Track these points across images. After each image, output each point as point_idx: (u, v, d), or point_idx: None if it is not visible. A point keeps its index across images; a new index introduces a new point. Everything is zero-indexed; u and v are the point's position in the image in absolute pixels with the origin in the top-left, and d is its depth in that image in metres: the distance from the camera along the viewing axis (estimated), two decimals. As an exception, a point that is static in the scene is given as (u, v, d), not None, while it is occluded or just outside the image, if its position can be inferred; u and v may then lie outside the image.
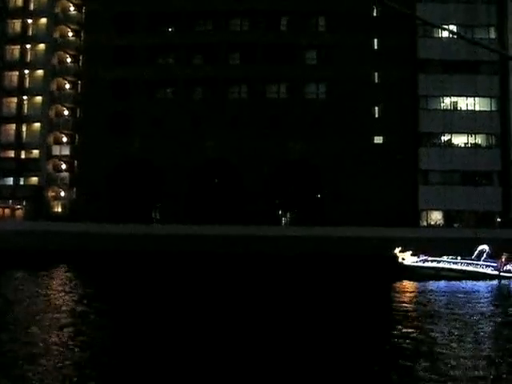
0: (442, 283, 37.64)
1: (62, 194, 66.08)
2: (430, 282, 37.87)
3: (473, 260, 40.53)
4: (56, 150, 66.46)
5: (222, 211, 57.19)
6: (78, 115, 66.21)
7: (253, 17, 62.06)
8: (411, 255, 40.90)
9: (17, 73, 67.97)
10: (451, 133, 59.09)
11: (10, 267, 41.60)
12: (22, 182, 67.62)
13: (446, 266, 40.59)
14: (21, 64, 67.73)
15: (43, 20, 67.92)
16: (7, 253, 47.42)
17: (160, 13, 62.73)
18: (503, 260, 40.56)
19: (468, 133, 58.83)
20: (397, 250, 41.03)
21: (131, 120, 61.76)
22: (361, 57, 58.86)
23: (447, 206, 57.29)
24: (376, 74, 59.38)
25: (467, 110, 59.10)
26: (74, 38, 68.21)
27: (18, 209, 66.69)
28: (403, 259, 40.76)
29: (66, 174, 66.01)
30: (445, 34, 59.58)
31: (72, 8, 68.69)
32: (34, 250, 48.82)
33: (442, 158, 57.59)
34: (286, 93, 61.66)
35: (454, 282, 37.85)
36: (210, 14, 62.42)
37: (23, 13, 68.36)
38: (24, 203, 66.08)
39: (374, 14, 59.96)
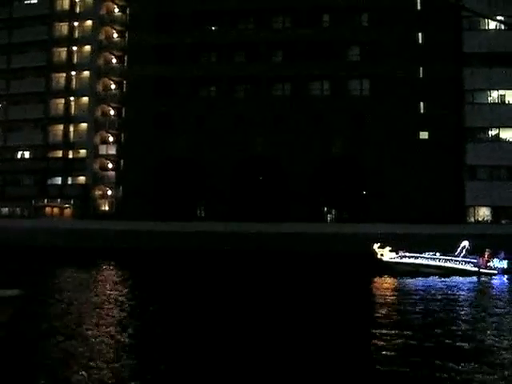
0: (418, 280, 36.53)
1: (109, 192, 67.28)
2: (407, 278, 36.76)
3: (452, 256, 39.59)
4: (102, 150, 67.68)
5: (266, 209, 57.40)
6: (123, 115, 67.22)
7: (295, 14, 62.01)
8: (390, 251, 40.15)
9: (64, 74, 69.48)
10: (499, 127, 58.01)
11: (60, 264, 42.56)
12: (69, 182, 69.13)
13: (424, 262, 39.69)
14: (68, 65, 69.24)
15: (89, 22, 69.25)
16: (57, 250, 48.65)
17: (202, 11, 63.21)
18: (486, 256, 39.51)
19: (516, 127, 57.69)
20: (375, 246, 40.27)
21: (174, 118, 62.46)
22: (405, 52, 58.26)
23: (495, 202, 56.31)
24: (421, 68, 58.66)
25: (515, 103, 57.96)
26: (118, 39, 69.26)
27: (67, 207, 68.13)
28: (382, 255, 40.06)
29: (112, 173, 67.19)
30: (491, 26, 58.47)
31: (116, 9, 69.78)
32: (82, 248, 49.93)
33: (489, 152, 56.52)
34: (329, 90, 61.42)
35: (431, 279, 36.74)
36: (251, 11, 62.65)
37: (70, 16, 69.82)
38: (72, 202, 67.47)
39: (418, 8, 59.22)
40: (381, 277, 37.03)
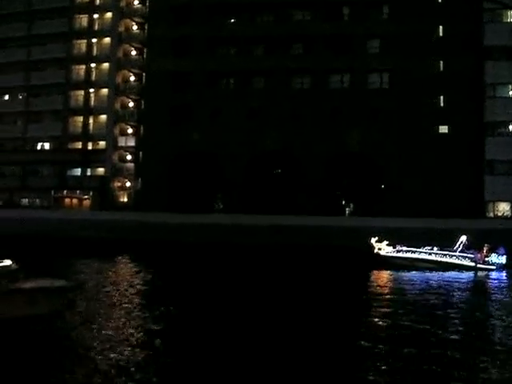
0: (414, 274, 36.48)
1: (128, 184, 67.71)
2: (404, 272, 36.79)
3: (449, 251, 39.31)
4: (121, 141, 68.12)
5: (283, 202, 57.43)
6: (142, 107, 67.50)
7: (314, 7, 61.75)
8: (387, 245, 40.05)
9: (83, 66, 69.96)
10: (520, 122, 57.46)
11: (79, 255, 42.88)
12: (88, 173, 69.72)
13: (421, 256, 39.55)
14: (87, 57, 69.69)
15: (108, 14, 69.58)
16: (76, 241, 48.98)
17: (221, 3, 63.16)
18: (484, 252, 39.10)
19: (538, 121, 57.10)
20: (373, 240, 40.19)
21: (192, 111, 62.62)
22: (425, 45, 57.78)
23: (515, 197, 55.81)
24: (441, 62, 58.21)
25: (537, 97, 57.34)
26: (138, 31, 69.50)
27: (86, 199, 68.69)
28: (379, 249, 40.00)
29: (131, 165, 67.62)
30: (513, 18, 57.83)
31: (136, 1, 69.93)
32: (100, 239, 50.14)
33: (510, 147, 56.02)
34: (348, 83, 61.17)
35: (428, 273, 36.60)
36: (271, 4, 62.46)
37: (89, 8, 70.18)
38: (91, 193, 68.00)
39: (439, 1, 58.69)
40: (378, 271, 37.00)
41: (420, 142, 56.90)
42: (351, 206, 59.06)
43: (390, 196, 56.58)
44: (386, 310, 23.66)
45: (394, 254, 39.83)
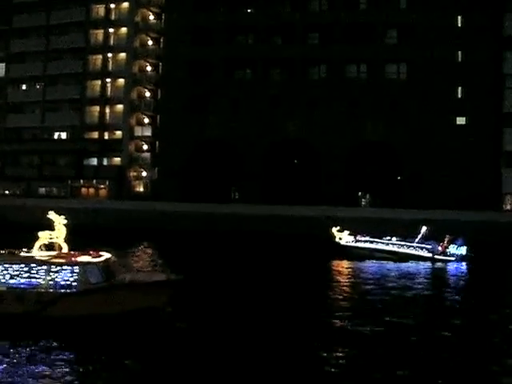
0: (368, 264, 36.54)
1: (144, 173, 67.98)
2: (360, 263, 36.80)
3: (408, 242, 39.11)
4: (138, 131, 68.41)
5: (300, 192, 57.44)
6: (158, 96, 67.62)
7: (331, -4, 61.44)
8: (348, 235, 40.08)
9: (100, 56, 70.10)
10: (539, 113, 56.92)
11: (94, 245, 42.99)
12: (105, 163, 70.07)
13: (379, 246, 39.41)
14: (104, 47, 69.83)
15: (125, 4, 69.72)
16: (91, 230, 49.13)
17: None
18: (445, 242, 38.65)
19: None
20: (334, 230, 40.21)
21: (210, 100, 62.63)
22: (443, 35, 57.30)
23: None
24: (459, 52, 57.75)
25: (557, 88, 56.75)
26: (154, 21, 69.59)
27: (102, 188, 69.04)
28: (340, 239, 40.07)
29: (147, 155, 67.92)
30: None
31: (153, -9, 69.93)
32: (116, 228, 50.16)
33: (528, 139, 55.61)
34: (365, 73, 60.89)
35: (385, 264, 36.55)
36: (288, -7, 62.27)
37: (106, -2, 70.32)
38: (107, 183, 68.32)
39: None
40: (340, 260, 37.10)
41: (438, 133, 56.58)
42: (367, 196, 58.92)
43: (407, 187, 56.42)
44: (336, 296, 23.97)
45: (353, 244, 39.88)
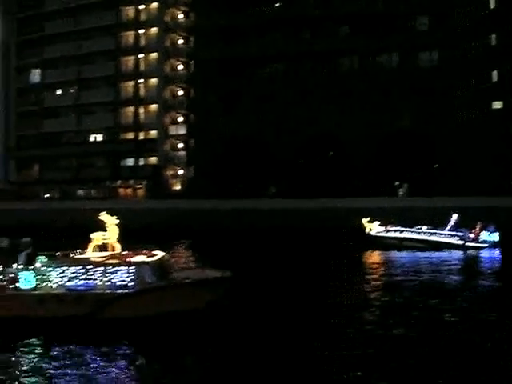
0: (402, 253, 35.85)
1: (180, 172, 68.59)
2: (392, 252, 36.14)
3: (439, 230, 38.38)
4: (172, 130, 69.06)
5: (335, 184, 57.21)
6: (191, 95, 68.10)
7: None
8: (379, 225, 39.58)
9: (132, 57, 70.89)
10: None
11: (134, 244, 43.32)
12: (141, 163, 70.92)
13: (409, 235, 38.82)
14: (135, 48, 70.57)
15: (154, 4, 70.32)
16: (131, 231, 49.46)
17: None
18: (477, 230, 37.56)
19: None
20: (364, 221, 39.73)
21: (241, 97, 62.86)
22: (476, 19, 56.45)
23: None
24: (493, 36, 56.88)
25: None
26: (184, 20, 70.07)
27: (139, 188, 69.88)
28: (370, 229, 39.61)
29: (183, 153, 68.51)
30: None
31: (182, -10, 70.40)
32: (154, 227, 50.56)
33: None
34: (397, 62, 60.42)
35: (417, 253, 35.87)
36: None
37: (135, 0, 70.90)
38: (144, 182, 69.12)
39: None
40: (371, 251, 36.66)
41: (473, 119, 55.77)
42: (405, 186, 58.45)
43: (443, 175, 55.83)
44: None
45: (384, 234, 39.54)
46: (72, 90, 74.51)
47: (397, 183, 57.92)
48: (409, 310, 19.26)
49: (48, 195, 74.17)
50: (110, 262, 16.82)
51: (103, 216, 18.24)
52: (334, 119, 59.44)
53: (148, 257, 17.34)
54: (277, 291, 22.95)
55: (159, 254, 17.81)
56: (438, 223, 39.56)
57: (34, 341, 15.61)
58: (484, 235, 37.73)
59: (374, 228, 39.86)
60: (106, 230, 18.25)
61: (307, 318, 18.44)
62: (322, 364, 13.63)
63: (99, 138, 73.81)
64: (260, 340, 15.73)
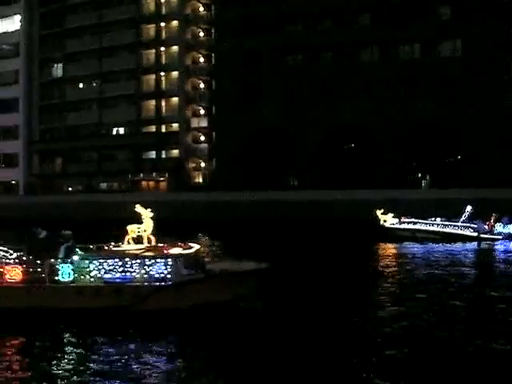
0: (413, 245, 35.51)
1: (202, 164, 68.84)
2: (405, 244, 35.77)
3: (452, 221, 38.08)
4: (194, 123, 69.20)
5: (358, 176, 57.21)
6: (213, 87, 68.23)
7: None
8: (393, 217, 39.40)
9: (153, 51, 71.15)
10: None
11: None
12: (163, 155, 71.23)
13: (422, 227, 38.60)
14: (156, 41, 70.77)
15: (175, -2, 70.33)
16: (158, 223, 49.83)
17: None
18: (492, 221, 37.20)
19: None
20: (378, 212, 39.51)
21: (263, 88, 62.96)
22: (500, 8, 55.91)
23: None
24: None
25: None
26: (204, 12, 70.14)
27: (162, 181, 70.24)
28: (385, 221, 39.41)
29: (204, 146, 68.68)
30: None
31: (202, -18, 70.39)
32: (177, 220, 50.70)
33: None
34: (419, 52, 60.08)
35: (428, 244, 35.46)
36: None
37: (156, -7, 71.17)
38: (166, 175, 69.46)
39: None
40: (384, 243, 36.24)
41: (497, 110, 55.35)
42: (428, 178, 58.26)
43: (466, 167, 55.48)
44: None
45: (397, 226, 39.40)
46: (94, 84, 74.96)
47: (419, 175, 57.76)
48: (421, 303, 19.14)
49: (71, 188, 74.91)
50: (147, 254, 17.00)
51: (138, 208, 18.38)
52: (357, 110, 59.20)
53: (184, 249, 17.50)
54: (307, 285, 22.97)
55: (195, 246, 17.98)
56: (455, 215, 39.53)
57: (72, 332, 15.71)
58: (499, 227, 37.54)
59: (388, 220, 39.89)
60: (140, 223, 18.43)
61: (327, 314, 18.29)
62: (338, 363, 13.49)
63: (121, 131, 74.29)
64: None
